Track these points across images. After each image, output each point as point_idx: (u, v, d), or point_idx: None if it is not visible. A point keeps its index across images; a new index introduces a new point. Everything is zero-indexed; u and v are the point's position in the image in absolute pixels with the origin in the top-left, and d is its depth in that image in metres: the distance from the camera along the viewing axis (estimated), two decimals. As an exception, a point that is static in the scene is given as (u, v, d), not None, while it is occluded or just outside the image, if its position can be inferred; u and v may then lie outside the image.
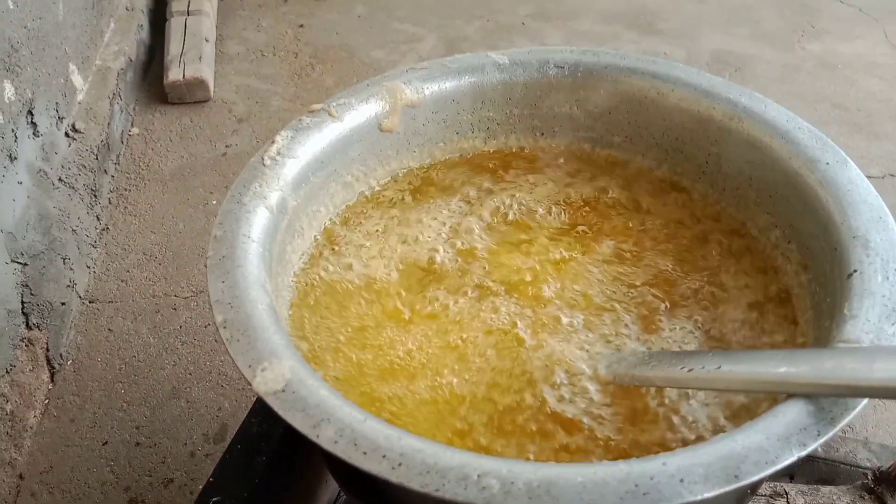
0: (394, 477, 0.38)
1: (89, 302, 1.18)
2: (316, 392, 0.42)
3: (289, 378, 0.43)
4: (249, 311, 0.46)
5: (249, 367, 0.43)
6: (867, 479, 0.63)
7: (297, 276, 0.58)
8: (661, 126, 0.64)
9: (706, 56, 1.69)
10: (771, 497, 0.62)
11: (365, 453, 0.39)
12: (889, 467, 0.63)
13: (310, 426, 0.40)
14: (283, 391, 0.42)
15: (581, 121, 0.67)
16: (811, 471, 0.70)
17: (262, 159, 0.57)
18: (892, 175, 1.39)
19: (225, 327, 0.46)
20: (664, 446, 0.47)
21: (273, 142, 0.58)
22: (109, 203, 1.34)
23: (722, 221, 0.62)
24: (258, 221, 0.53)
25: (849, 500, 0.62)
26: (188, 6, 1.68)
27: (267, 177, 0.56)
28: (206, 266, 0.50)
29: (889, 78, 1.62)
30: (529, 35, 1.76)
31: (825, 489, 0.64)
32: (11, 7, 1.07)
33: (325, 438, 0.40)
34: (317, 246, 0.61)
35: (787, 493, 0.63)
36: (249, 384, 0.43)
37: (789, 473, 0.67)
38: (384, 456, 0.39)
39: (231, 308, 0.46)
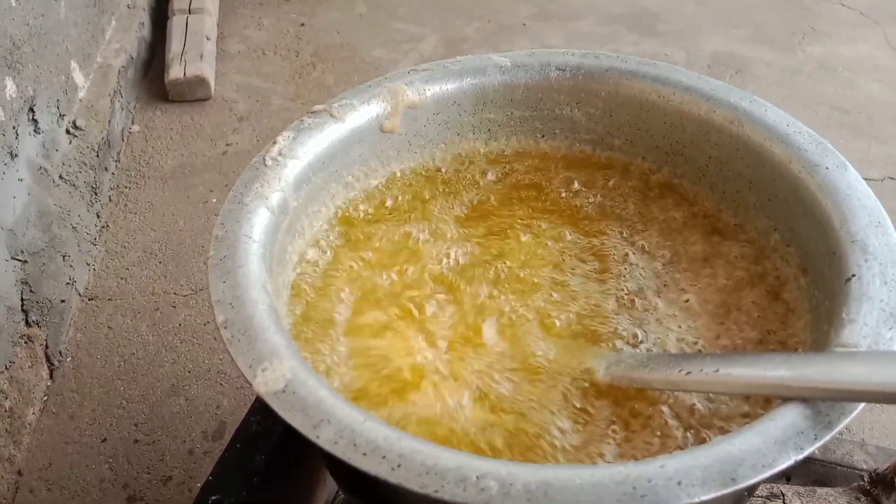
0: (393, 478, 0.38)
1: (89, 299, 1.18)
2: (316, 392, 0.42)
3: (289, 378, 0.43)
4: (250, 311, 0.46)
5: (250, 367, 0.44)
6: (864, 480, 0.63)
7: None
8: (662, 129, 0.64)
9: (706, 58, 1.69)
10: (768, 498, 0.62)
11: (364, 454, 0.39)
12: (885, 469, 0.63)
13: (310, 427, 0.41)
14: (284, 391, 0.42)
15: (582, 123, 0.67)
16: (808, 472, 0.70)
17: (264, 160, 0.57)
18: (892, 178, 1.39)
19: (226, 327, 0.46)
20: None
21: (275, 142, 0.58)
22: (110, 200, 1.34)
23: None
24: (259, 222, 0.53)
25: (845, 502, 0.62)
26: (189, 4, 1.68)
27: (268, 177, 0.56)
28: (206, 265, 0.50)
29: (889, 81, 1.62)
30: (530, 36, 1.76)
31: (822, 491, 0.64)
32: (14, 4, 1.07)
33: (325, 439, 0.40)
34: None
35: (783, 495, 0.63)
36: (250, 384, 0.43)
37: (786, 475, 0.68)
38: (384, 457, 0.39)
39: (232, 308, 0.47)
